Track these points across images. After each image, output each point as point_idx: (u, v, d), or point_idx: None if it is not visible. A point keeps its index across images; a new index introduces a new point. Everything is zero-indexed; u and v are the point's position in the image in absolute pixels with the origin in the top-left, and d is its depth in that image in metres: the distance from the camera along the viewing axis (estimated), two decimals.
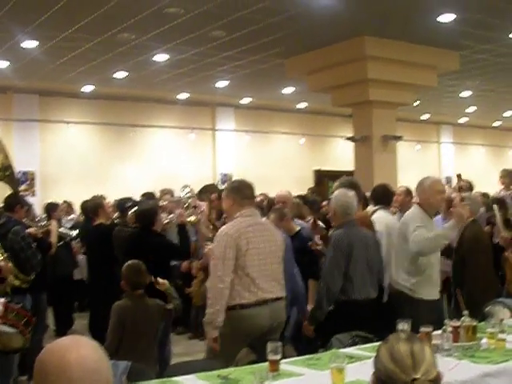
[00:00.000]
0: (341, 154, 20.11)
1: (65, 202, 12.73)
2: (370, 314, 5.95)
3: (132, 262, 5.92)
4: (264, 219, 5.89)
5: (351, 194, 6.25)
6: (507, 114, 22.19)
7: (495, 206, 7.91)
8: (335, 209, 6.20)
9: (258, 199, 9.69)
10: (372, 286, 6.14)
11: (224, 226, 5.68)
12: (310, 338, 6.18)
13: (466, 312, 4.69)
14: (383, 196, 7.83)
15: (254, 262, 5.42)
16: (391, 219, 7.61)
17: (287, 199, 8.15)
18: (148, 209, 7.51)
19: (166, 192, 11.03)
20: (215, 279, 5.33)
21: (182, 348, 9.55)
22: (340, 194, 6.27)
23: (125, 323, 5.55)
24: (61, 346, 2.01)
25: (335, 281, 5.90)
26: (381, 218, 7.36)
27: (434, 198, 6.30)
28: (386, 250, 6.95)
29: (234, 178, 6.28)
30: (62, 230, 9.81)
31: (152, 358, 5.77)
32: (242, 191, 5.68)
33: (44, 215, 9.71)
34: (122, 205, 9.12)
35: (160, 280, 6.04)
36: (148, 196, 10.58)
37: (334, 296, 5.90)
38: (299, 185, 15.55)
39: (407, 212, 6.66)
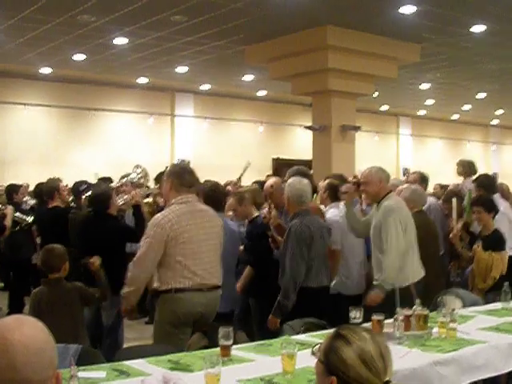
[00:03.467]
0: (300, 143, 20.14)
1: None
2: (325, 300, 6.07)
3: (50, 245, 5.84)
4: (202, 205, 5.79)
5: (305, 181, 6.26)
6: (466, 107, 22.41)
7: (454, 200, 7.90)
8: (289, 197, 6.21)
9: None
10: (325, 274, 6.21)
11: (158, 214, 5.58)
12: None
13: (418, 301, 4.73)
14: None
15: (186, 251, 5.35)
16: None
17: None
18: (101, 192, 7.43)
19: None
20: (141, 266, 5.39)
21: (137, 333, 9.51)
22: (294, 182, 6.28)
23: (39, 309, 5.40)
24: (3, 325, 1.97)
25: (300, 271, 5.93)
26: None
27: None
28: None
29: (191, 165, 6.12)
30: (18, 214, 9.65)
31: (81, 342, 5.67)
32: (180, 177, 5.55)
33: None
34: (77, 188, 9.02)
35: (93, 259, 6.02)
36: (104, 180, 10.46)
37: (298, 285, 5.92)
38: (258, 173, 15.49)
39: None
